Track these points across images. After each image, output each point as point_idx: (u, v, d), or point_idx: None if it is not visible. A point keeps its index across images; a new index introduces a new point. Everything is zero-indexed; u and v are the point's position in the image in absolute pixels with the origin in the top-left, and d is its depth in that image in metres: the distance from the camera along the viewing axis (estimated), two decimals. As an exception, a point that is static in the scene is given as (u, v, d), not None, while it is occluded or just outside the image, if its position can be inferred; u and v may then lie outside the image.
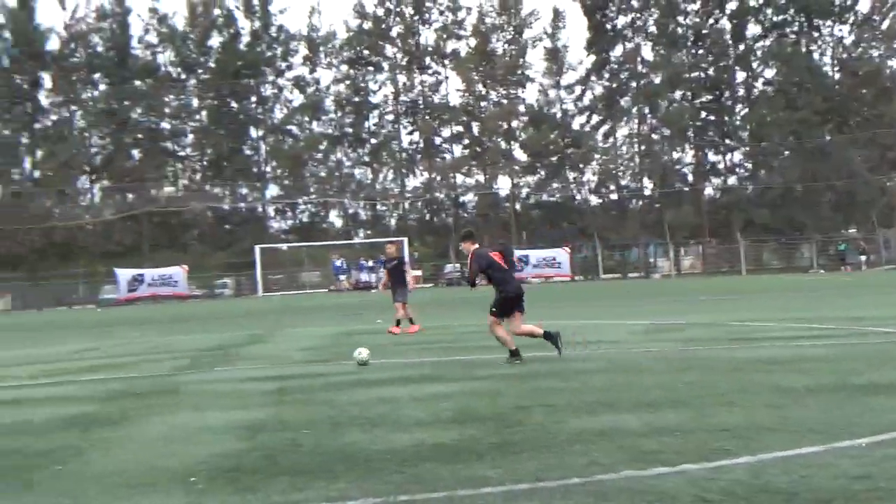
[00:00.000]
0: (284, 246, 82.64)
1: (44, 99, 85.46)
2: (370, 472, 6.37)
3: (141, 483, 6.39)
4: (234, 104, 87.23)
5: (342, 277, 64.84)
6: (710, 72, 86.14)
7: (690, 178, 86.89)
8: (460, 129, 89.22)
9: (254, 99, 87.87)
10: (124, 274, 64.47)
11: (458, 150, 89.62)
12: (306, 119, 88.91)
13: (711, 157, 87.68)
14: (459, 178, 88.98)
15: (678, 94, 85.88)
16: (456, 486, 5.88)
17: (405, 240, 68.60)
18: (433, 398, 9.80)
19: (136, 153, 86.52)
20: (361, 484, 6.02)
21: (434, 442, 7.28)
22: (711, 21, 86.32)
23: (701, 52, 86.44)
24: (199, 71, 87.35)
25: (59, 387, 13.46)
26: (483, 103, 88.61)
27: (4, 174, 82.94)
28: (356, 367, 13.53)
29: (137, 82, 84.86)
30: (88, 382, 13.78)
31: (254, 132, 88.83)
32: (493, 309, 13.82)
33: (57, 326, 37.20)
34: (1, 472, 7.03)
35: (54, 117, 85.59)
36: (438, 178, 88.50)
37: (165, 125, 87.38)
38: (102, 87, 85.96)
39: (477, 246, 14.64)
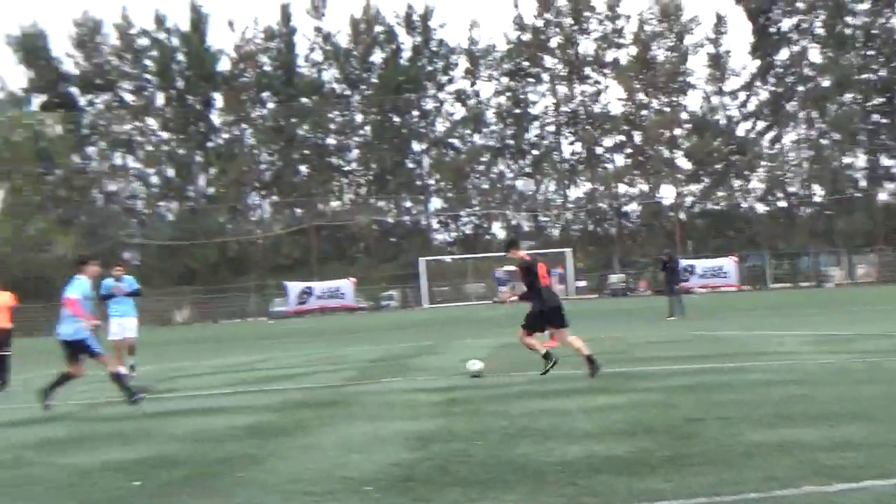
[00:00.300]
0: (448, 258, 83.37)
1: (216, 118, 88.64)
2: (543, 483, 6.35)
3: (318, 491, 6.52)
4: (396, 119, 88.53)
5: (504, 289, 64.93)
6: (882, 73, 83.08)
7: (863, 183, 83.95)
8: (622, 138, 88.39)
9: (416, 113, 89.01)
10: (294, 287, 66.16)
11: (620, 160, 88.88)
12: (468, 131, 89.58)
13: (885, 161, 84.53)
14: (622, 188, 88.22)
15: (848, 96, 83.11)
16: (630, 498, 5.83)
17: (569, 251, 68.43)
18: (603, 410, 9.72)
19: (303, 169, 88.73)
20: (534, 496, 6.01)
21: (606, 454, 7.22)
22: (882, 20, 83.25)
23: (871, 52, 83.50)
24: (363, 87, 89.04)
25: (236, 396, 13.88)
26: (644, 112, 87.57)
27: (181, 191, 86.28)
28: (525, 379, 13.52)
29: (304, 99, 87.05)
30: (264, 392, 14.16)
31: (416, 146, 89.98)
32: (524, 323, 13.95)
33: (232, 338, 38.37)
34: (186, 478, 7.31)
35: (226, 135, 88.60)
36: (601, 187, 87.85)
37: (331, 141, 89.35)
38: (270, 105, 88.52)
39: (525, 252, 14.61)
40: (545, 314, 13.79)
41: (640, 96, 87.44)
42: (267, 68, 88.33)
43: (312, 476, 7.06)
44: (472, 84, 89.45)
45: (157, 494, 6.78)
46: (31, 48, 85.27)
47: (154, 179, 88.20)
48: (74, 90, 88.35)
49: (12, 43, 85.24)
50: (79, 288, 13.34)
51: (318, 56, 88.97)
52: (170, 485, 7.10)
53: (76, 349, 13.28)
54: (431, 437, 8.55)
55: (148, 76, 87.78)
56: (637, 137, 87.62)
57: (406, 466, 7.21)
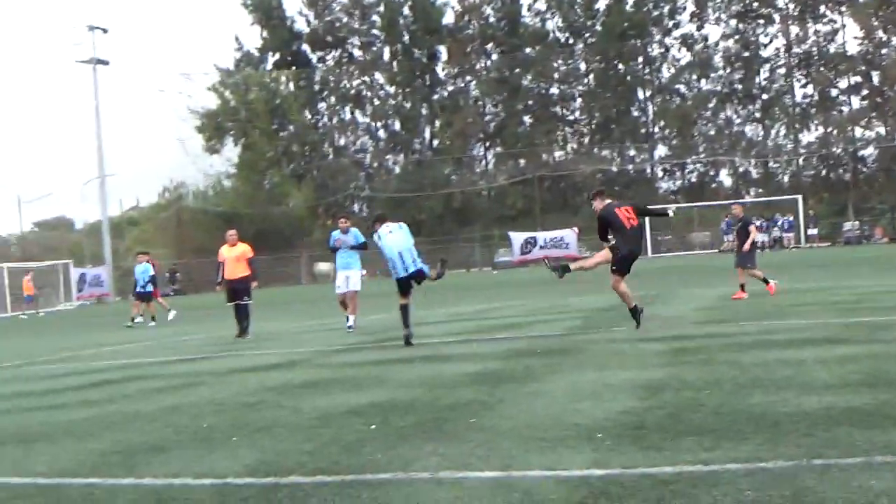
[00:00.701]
0: (673, 206, 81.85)
1: (440, 71, 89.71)
2: (779, 434, 6.20)
3: (549, 437, 6.58)
4: (621, 66, 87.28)
5: (730, 238, 63.38)
6: None
7: None
8: (858, 79, 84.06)
9: (641, 59, 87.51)
10: (518, 237, 66.57)
11: (856, 102, 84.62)
12: (694, 77, 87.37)
13: None
14: (858, 132, 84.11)
15: None
16: (871, 451, 5.61)
17: (799, 197, 66.12)
18: (840, 360, 9.38)
19: (527, 119, 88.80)
20: (771, 446, 5.88)
21: (845, 406, 6.98)
22: None
23: None
24: (587, 35, 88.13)
25: (464, 344, 14.15)
26: (884, 50, 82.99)
27: (407, 144, 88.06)
28: (757, 329, 13.20)
29: (528, 49, 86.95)
30: (492, 341, 14.38)
31: (641, 93, 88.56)
32: (613, 267, 14.24)
33: (458, 287, 38.97)
34: (419, 423, 7.52)
35: (450, 88, 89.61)
36: (835, 132, 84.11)
37: (554, 90, 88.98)
38: (494, 56, 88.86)
39: (608, 202, 14.64)
40: (625, 257, 14.32)
41: (880, 34, 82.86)
42: (491, 19, 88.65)
43: (543, 422, 7.12)
44: (699, 28, 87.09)
45: (393, 438, 7.00)
46: (266, 8, 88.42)
47: (381, 133, 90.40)
48: (306, 48, 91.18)
49: (248, 4, 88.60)
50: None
51: (541, 5, 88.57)
52: (404, 429, 7.32)
53: (419, 278, 14.87)
54: (661, 386, 8.48)
55: (375, 32, 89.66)
56: (875, 78, 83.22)
57: (636, 414, 7.18)
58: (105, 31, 72.97)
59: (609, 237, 14.71)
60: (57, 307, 60.12)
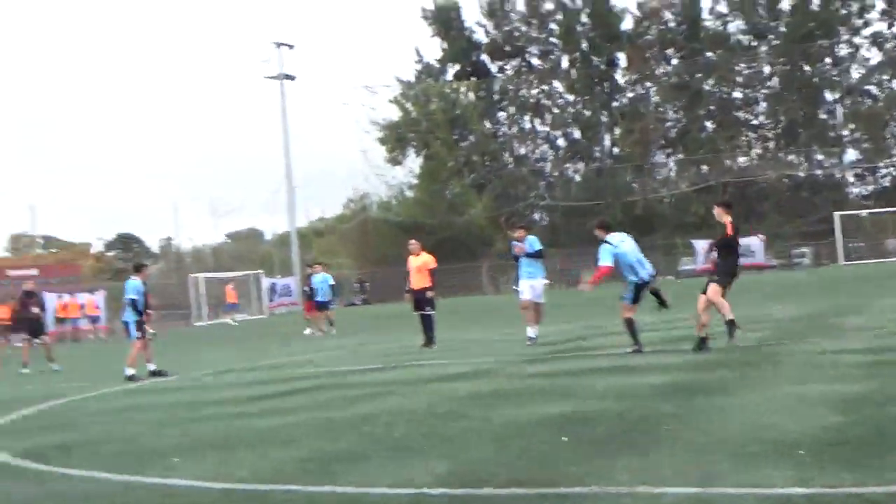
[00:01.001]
0: (865, 212, 78.96)
1: (620, 78, 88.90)
2: None
3: (747, 452, 6.43)
4: (807, 68, 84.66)
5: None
6: None
7: None
8: None
9: (828, 60, 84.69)
10: (701, 245, 65.47)
11: None
12: (885, 77, 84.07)
13: None
14: None
15: None
16: None
17: None
18: None
19: (709, 125, 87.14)
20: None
21: None
22: None
23: None
24: (770, 37, 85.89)
25: (650, 355, 13.96)
26: None
27: (587, 152, 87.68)
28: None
29: (709, 54, 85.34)
30: (680, 352, 14.13)
31: (829, 95, 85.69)
32: (717, 278, 14.02)
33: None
34: (610, 435, 7.47)
35: (630, 95, 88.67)
36: None
37: (737, 94, 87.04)
38: (675, 61, 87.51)
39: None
40: (734, 273, 14.38)
41: None
42: (671, 24, 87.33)
43: (740, 437, 6.96)
44: (891, 26, 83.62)
45: (586, 450, 6.96)
46: (445, 20, 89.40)
47: (561, 141, 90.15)
48: (485, 58, 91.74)
49: (428, 17, 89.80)
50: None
51: (723, 7, 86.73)
52: (596, 441, 7.28)
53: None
54: (863, 400, 8.19)
55: (553, 40, 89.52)
56: None
57: (837, 430, 6.94)
58: (291, 47, 75.23)
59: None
60: (251, 316, 62.10)
